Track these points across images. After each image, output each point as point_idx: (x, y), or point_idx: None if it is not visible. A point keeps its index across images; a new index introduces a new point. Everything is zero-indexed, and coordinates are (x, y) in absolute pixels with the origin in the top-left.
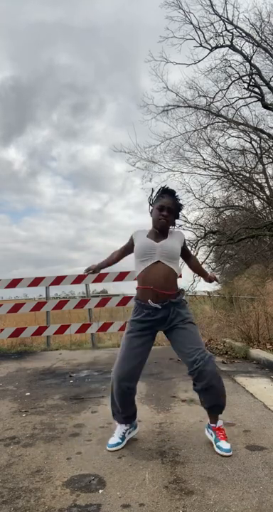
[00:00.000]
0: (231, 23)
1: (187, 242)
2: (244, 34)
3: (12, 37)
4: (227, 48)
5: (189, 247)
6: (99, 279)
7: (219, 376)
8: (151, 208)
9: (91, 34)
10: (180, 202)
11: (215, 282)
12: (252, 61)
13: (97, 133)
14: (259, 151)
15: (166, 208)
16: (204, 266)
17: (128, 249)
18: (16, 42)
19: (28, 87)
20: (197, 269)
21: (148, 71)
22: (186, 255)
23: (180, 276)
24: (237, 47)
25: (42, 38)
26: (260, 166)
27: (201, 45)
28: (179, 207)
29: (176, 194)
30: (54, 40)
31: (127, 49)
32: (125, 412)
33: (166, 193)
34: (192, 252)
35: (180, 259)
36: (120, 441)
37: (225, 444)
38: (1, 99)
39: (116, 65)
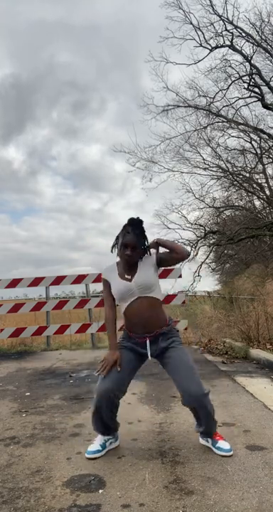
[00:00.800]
0: (231, 23)
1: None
2: (244, 34)
3: (12, 35)
4: (227, 48)
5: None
6: (99, 279)
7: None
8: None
9: (91, 33)
10: (146, 235)
11: (215, 282)
12: (252, 61)
13: (97, 132)
14: (259, 151)
15: (130, 245)
16: (204, 266)
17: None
18: (17, 40)
19: (27, 85)
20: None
21: (148, 71)
22: (165, 257)
23: (180, 276)
24: (237, 47)
25: (42, 37)
26: (260, 166)
27: (201, 45)
28: (144, 239)
29: (142, 225)
30: (54, 39)
31: (127, 49)
32: (107, 422)
33: (131, 225)
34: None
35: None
36: (100, 448)
37: (224, 444)
38: (0, 97)
39: (117, 64)
